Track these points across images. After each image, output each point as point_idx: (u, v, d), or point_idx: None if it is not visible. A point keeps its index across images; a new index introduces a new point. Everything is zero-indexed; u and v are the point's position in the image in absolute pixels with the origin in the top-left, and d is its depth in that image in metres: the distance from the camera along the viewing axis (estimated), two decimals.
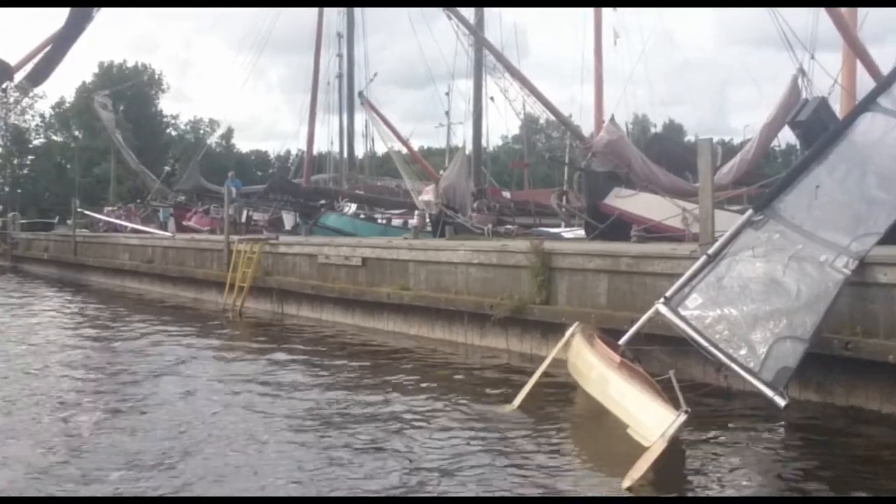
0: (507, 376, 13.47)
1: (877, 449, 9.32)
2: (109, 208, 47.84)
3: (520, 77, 23.18)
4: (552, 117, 24.57)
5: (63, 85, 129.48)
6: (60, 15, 11.06)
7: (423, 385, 12.92)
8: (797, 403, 10.35)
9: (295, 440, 9.78)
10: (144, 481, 8.31)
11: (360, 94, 36.39)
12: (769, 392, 9.56)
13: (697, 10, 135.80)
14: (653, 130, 59.98)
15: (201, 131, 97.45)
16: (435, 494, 7.97)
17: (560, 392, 11.98)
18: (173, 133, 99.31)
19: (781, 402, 9.46)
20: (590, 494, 8.09)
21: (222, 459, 9.06)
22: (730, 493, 8.08)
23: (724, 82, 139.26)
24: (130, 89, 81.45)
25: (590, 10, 31.13)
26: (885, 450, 9.28)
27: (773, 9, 17.58)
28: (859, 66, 17.89)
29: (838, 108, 17.06)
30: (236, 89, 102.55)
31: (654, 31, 65.97)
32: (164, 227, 37.46)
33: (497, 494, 7.97)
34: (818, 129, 13.83)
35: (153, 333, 19.19)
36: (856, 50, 17.24)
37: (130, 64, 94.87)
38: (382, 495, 7.81)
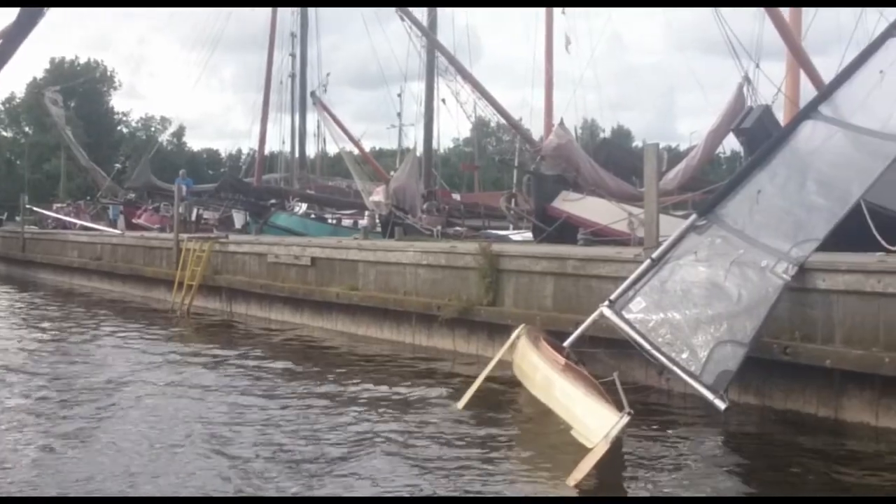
0: (453, 377, 13.57)
1: (812, 452, 9.51)
2: (59, 205, 47.29)
3: (471, 80, 23.28)
4: (503, 120, 24.69)
5: (13, 80, 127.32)
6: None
7: (370, 385, 12.95)
8: (737, 407, 10.54)
9: (238, 440, 9.74)
10: (79, 484, 8.20)
11: (313, 93, 36.31)
12: (709, 395, 9.74)
13: (646, 15, 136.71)
14: (601, 135, 60.34)
15: (153, 129, 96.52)
16: (392, 495, 8.03)
17: (505, 393, 12.09)
18: (125, 130, 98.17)
19: (721, 406, 9.64)
20: (533, 495, 8.18)
21: (157, 458, 9.04)
22: (671, 493, 8.20)
23: (671, 88, 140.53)
24: (82, 86, 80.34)
25: (541, 13, 31.32)
26: (819, 453, 9.47)
27: (720, 15, 17.77)
28: (803, 75, 18.21)
29: (782, 116, 17.36)
30: (189, 87, 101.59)
31: (604, 35, 66.49)
32: (113, 224, 37.12)
33: (440, 493, 8.04)
34: (762, 136, 14.05)
35: (100, 331, 19.06)
36: (799, 59, 17.54)
37: (83, 60, 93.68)
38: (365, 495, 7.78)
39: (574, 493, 8.02)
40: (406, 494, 8.00)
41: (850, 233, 10.81)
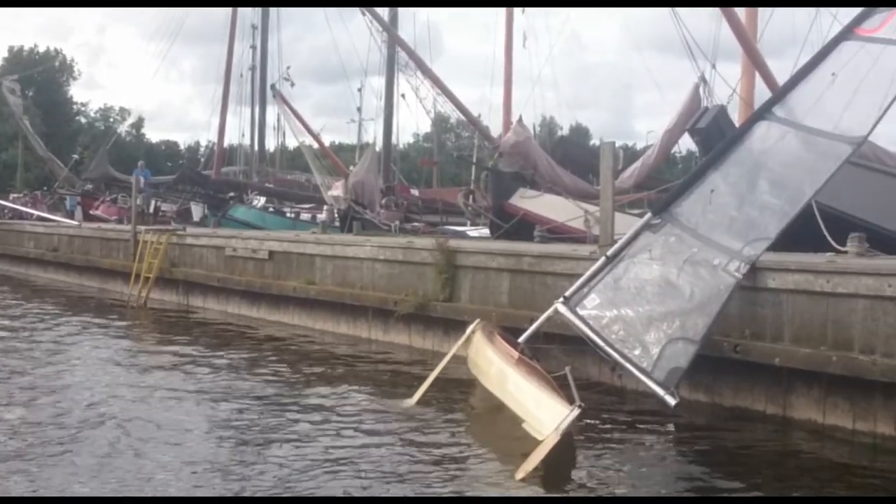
0: (408, 372, 13.62)
1: (760, 448, 9.67)
2: (15, 195, 46.70)
3: (431, 75, 23.34)
4: (462, 116, 24.76)
5: None
6: None
7: (325, 379, 12.99)
8: (687, 403, 10.64)
9: (191, 434, 9.71)
10: (31, 477, 8.10)
11: (273, 86, 36.14)
12: (660, 391, 9.85)
13: (604, 15, 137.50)
14: (560, 133, 60.65)
15: (111, 119, 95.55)
16: (342, 488, 8.05)
17: (459, 388, 12.16)
18: (83, 121, 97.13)
19: (672, 402, 9.76)
20: (484, 483, 8.25)
21: (114, 452, 8.95)
22: (620, 488, 8.30)
23: (629, 87, 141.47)
24: (40, 75, 79.47)
25: (502, 10, 31.36)
26: (767, 449, 9.63)
27: (677, 16, 17.95)
28: (758, 77, 18.40)
29: (737, 116, 17.53)
30: (148, 78, 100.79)
31: (562, 34, 66.87)
32: (70, 215, 36.77)
33: (394, 485, 8.05)
34: (716, 136, 14.19)
35: (55, 322, 18.91)
36: (754, 60, 17.72)
37: (41, 49, 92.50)
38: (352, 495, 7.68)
39: (557, 494, 8.11)
40: (358, 487, 8.01)
41: (802, 233, 10.97)
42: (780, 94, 12.07)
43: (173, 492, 7.79)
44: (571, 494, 8.16)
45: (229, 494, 7.76)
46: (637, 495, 8.09)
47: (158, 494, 7.71)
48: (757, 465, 9.11)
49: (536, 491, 8.09)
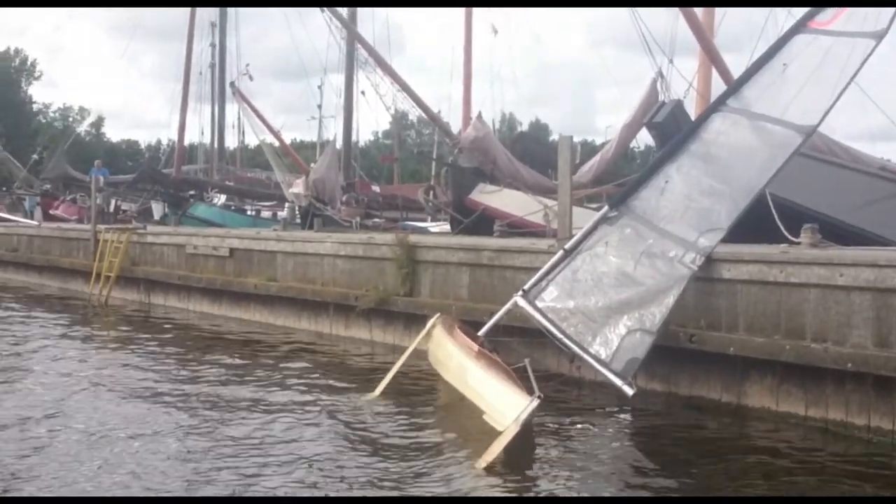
0: (370, 366, 13.69)
1: (715, 435, 9.85)
2: None
3: (390, 72, 23.40)
4: (422, 113, 24.81)
5: None
6: None
7: (287, 375, 12.99)
8: (644, 393, 10.78)
9: (154, 432, 9.67)
10: None
11: (232, 84, 36.04)
12: (618, 381, 10.00)
13: (565, 12, 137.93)
14: (519, 129, 60.86)
15: (70, 119, 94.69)
16: (306, 482, 8.09)
17: (420, 381, 12.24)
18: (42, 120, 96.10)
19: (629, 391, 9.90)
20: (446, 474, 8.30)
21: (76, 453, 8.90)
22: (578, 476, 8.39)
23: (589, 83, 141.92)
24: None
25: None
26: (722, 437, 9.81)
27: (636, 14, 18.16)
28: (715, 72, 18.62)
29: (693, 110, 17.72)
30: (107, 76, 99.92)
31: (522, 31, 67.08)
32: (30, 215, 36.43)
33: (355, 478, 8.10)
34: (673, 130, 14.33)
35: (15, 322, 18.76)
36: (711, 55, 17.93)
37: (0, 48, 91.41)
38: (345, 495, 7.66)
39: (517, 483, 8.15)
40: (318, 481, 8.05)
41: (756, 225, 11.14)
42: (735, 86, 12.24)
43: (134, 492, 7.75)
44: (532, 484, 8.24)
45: (186, 493, 7.72)
46: (596, 484, 8.18)
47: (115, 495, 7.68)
48: (713, 452, 9.26)
49: (497, 481, 8.16)
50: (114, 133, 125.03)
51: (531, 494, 7.89)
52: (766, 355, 10.23)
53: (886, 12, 11.28)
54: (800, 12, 12.85)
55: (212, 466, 8.42)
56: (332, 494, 7.66)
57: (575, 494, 7.79)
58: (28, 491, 7.59)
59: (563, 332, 10.61)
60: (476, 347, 11.12)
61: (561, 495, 7.79)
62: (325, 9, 23.64)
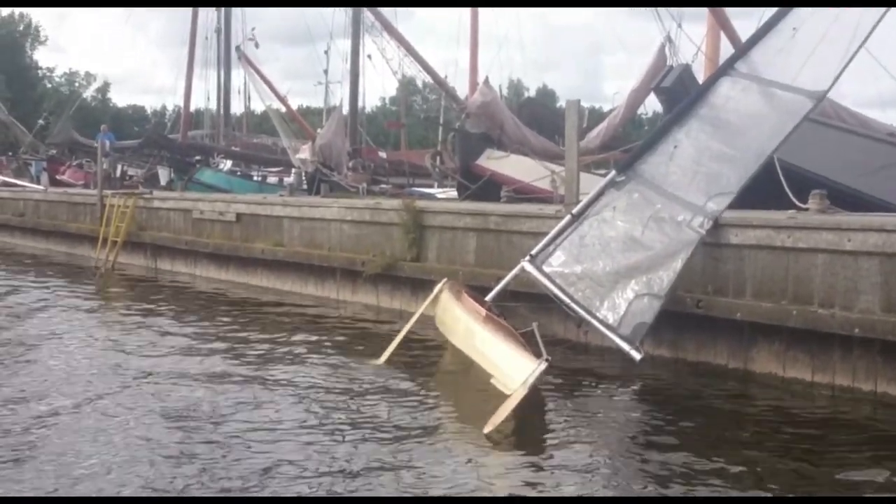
0: (376, 332, 13.72)
1: (721, 401, 9.85)
2: None
3: (397, 36, 23.32)
4: (429, 78, 24.73)
5: None
6: None
7: (293, 340, 13.03)
8: (651, 359, 10.79)
9: (162, 399, 9.60)
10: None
11: (238, 48, 35.90)
12: (626, 346, 10.02)
13: None
14: (526, 94, 60.63)
15: (76, 84, 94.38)
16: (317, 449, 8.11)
17: (427, 347, 12.27)
18: (48, 85, 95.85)
19: (637, 356, 9.93)
20: (452, 439, 8.33)
21: (86, 423, 8.85)
22: (585, 441, 8.40)
23: (598, 49, 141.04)
24: (3, 39, 78.18)
25: None
26: (728, 401, 9.82)
27: None
28: (724, 37, 18.50)
29: (702, 75, 17.62)
30: (113, 41, 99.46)
31: None
32: (36, 180, 36.42)
33: (362, 444, 8.09)
34: (681, 95, 14.25)
35: (22, 288, 18.79)
36: (719, 19, 17.84)
37: (5, 13, 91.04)
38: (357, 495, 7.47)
39: (524, 448, 8.13)
40: (325, 447, 8.05)
41: (764, 190, 11.11)
42: (743, 50, 12.14)
43: (144, 456, 7.67)
44: (538, 449, 8.24)
45: (185, 455, 7.66)
46: (603, 448, 8.19)
47: (129, 462, 7.59)
48: (719, 418, 9.28)
49: (504, 445, 8.20)
50: (119, 98, 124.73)
51: (537, 458, 7.88)
52: (773, 321, 10.23)
53: None
54: None
55: (213, 431, 8.38)
56: (337, 459, 7.64)
57: (583, 458, 7.78)
58: (31, 464, 7.46)
59: (570, 297, 10.62)
60: (484, 312, 11.13)
61: (567, 460, 7.79)
62: None
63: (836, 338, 9.76)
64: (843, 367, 9.83)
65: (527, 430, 8.62)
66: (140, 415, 8.90)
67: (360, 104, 32.45)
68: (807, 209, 11.04)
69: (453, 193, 21.67)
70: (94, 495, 6.48)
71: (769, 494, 6.90)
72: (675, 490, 7.02)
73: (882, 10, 10.95)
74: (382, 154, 36.72)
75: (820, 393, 9.89)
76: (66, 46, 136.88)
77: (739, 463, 7.69)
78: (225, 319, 14.90)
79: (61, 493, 6.73)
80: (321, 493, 6.85)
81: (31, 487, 6.84)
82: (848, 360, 9.78)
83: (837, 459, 7.91)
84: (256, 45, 37.65)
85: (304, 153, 25.57)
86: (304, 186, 24.87)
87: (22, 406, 9.27)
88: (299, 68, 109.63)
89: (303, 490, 6.88)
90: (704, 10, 18.66)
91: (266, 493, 6.80)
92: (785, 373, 10.32)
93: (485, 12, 29.53)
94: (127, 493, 6.66)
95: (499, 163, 19.24)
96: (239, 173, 34.89)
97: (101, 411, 9.07)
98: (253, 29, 39.73)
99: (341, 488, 6.95)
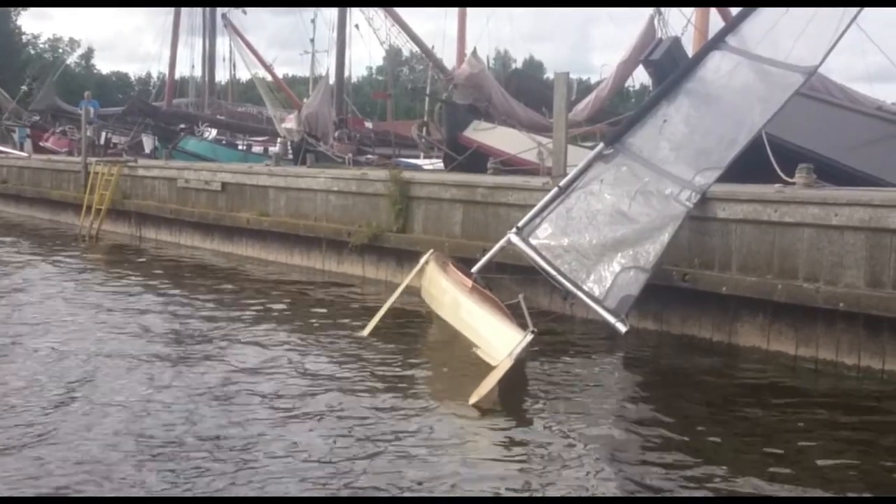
0: (362, 303, 13.70)
1: (705, 373, 9.89)
2: None
3: (384, 5, 23.14)
4: (417, 48, 24.61)
5: None
6: None
7: (277, 310, 13.03)
8: (636, 331, 10.80)
9: (140, 370, 9.56)
10: None
11: (224, 15, 35.57)
12: (612, 319, 10.04)
13: None
14: (514, 66, 60.42)
15: (60, 50, 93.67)
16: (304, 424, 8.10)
17: (412, 318, 12.28)
18: (32, 52, 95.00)
19: (623, 329, 9.96)
20: (438, 410, 8.33)
21: (72, 391, 8.91)
22: (570, 411, 8.39)
23: (587, 20, 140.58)
24: None
25: None
26: (711, 374, 9.86)
27: None
28: (714, 10, 18.45)
29: (691, 48, 17.57)
30: (98, 7, 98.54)
31: None
32: (19, 147, 36.19)
33: (348, 417, 8.08)
34: (670, 68, 14.22)
35: (4, 254, 18.72)
36: None
37: None
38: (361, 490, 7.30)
39: (509, 419, 8.17)
40: (310, 421, 8.03)
41: (752, 164, 11.10)
42: (733, 23, 12.05)
43: (134, 429, 7.66)
44: (523, 420, 8.27)
45: (170, 436, 7.50)
46: (587, 420, 8.20)
47: (112, 437, 7.54)
48: (703, 389, 9.33)
49: (489, 416, 8.20)
50: (104, 65, 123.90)
51: (521, 429, 7.90)
52: (758, 295, 10.28)
53: None
54: None
55: (196, 411, 8.16)
56: (318, 432, 7.63)
57: (567, 429, 7.80)
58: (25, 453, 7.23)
59: (556, 270, 10.62)
60: (470, 283, 11.12)
61: (552, 431, 7.81)
62: None
63: (821, 312, 9.81)
64: (827, 341, 9.88)
65: (512, 400, 8.64)
66: (117, 385, 8.88)
67: (346, 74, 32.30)
68: (793, 183, 11.04)
69: (440, 164, 21.60)
70: (94, 495, 6.45)
71: (753, 474, 6.90)
72: (658, 463, 7.03)
73: None
74: (369, 124, 36.57)
75: (803, 366, 9.95)
76: (51, 13, 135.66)
77: (719, 436, 7.75)
78: (208, 289, 14.85)
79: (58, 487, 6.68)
80: (302, 467, 6.81)
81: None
82: (832, 335, 9.83)
83: (817, 432, 7.98)
84: (244, 12, 37.36)
85: (290, 123, 25.46)
86: (290, 156, 24.76)
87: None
88: (286, 37, 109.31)
89: (283, 469, 6.78)
90: None
91: (246, 469, 6.75)
92: (769, 346, 10.36)
93: None
94: (112, 485, 6.60)
95: (485, 134, 19.17)
96: (224, 142, 34.68)
97: (79, 393, 8.87)
98: None
99: (324, 466, 6.92)
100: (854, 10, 10.72)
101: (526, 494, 6.49)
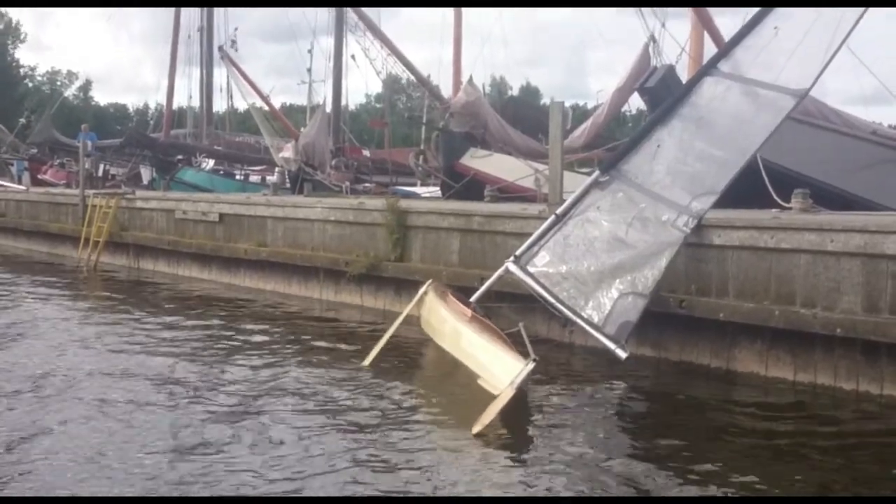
0: (361, 333, 13.69)
1: (704, 400, 9.88)
2: None
3: (380, 36, 23.30)
4: (413, 77, 24.73)
5: None
6: None
7: (277, 341, 12.99)
8: (634, 358, 10.73)
9: (145, 401, 9.53)
10: None
11: (220, 48, 35.75)
12: (611, 345, 10.04)
13: None
14: (510, 92, 60.60)
15: (58, 83, 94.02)
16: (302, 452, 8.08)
17: (412, 348, 12.26)
18: (30, 84, 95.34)
19: (623, 355, 9.95)
20: (441, 441, 8.31)
21: (70, 416, 8.90)
22: (573, 439, 8.38)
23: (583, 44, 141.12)
24: None
25: None
26: (711, 400, 9.84)
27: None
28: (707, 37, 18.56)
29: (685, 75, 17.66)
30: (95, 39, 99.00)
31: None
32: (17, 180, 36.27)
33: (351, 448, 8.06)
34: (665, 95, 14.30)
35: (3, 287, 18.70)
36: (702, 19, 17.89)
37: None
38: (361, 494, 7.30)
39: (512, 450, 8.13)
40: (311, 451, 8.02)
41: (747, 190, 11.15)
42: (726, 49, 12.16)
43: (131, 463, 7.70)
44: (526, 449, 8.24)
45: (174, 460, 7.57)
46: (590, 447, 8.19)
47: (112, 467, 7.57)
48: (702, 416, 9.32)
49: (491, 445, 8.18)
50: (102, 97, 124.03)
51: (525, 457, 7.90)
52: (755, 321, 10.29)
53: None
54: None
55: (198, 437, 8.24)
56: (322, 462, 7.63)
57: (570, 457, 7.79)
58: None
59: (555, 297, 10.63)
60: (469, 313, 11.13)
61: (555, 459, 7.80)
62: None
63: (819, 338, 9.83)
64: (825, 366, 9.89)
65: (515, 429, 8.62)
66: (122, 414, 8.87)
67: (343, 103, 32.44)
68: (790, 208, 11.08)
69: (437, 192, 21.66)
70: (94, 495, 6.45)
71: (754, 495, 6.92)
72: (659, 488, 7.04)
73: (862, 9, 10.98)
74: (366, 153, 36.68)
75: (802, 392, 9.95)
76: (49, 44, 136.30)
77: (720, 461, 7.74)
78: (207, 320, 14.83)
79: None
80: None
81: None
82: (829, 360, 9.85)
83: (818, 458, 7.96)
84: (236, 49, 37.50)
85: (288, 152, 25.56)
86: (287, 185, 24.83)
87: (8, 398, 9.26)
88: (282, 65, 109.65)
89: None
90: (688, 9, 18.69)
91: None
92: (767, 372, 10.37)
93: (469, 11, 29.48)
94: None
95: (482, 162, 19.25)
96: (222, 172, 34.78)
97: (87, 402, 9.03)
98: (236, 29, 39.56)
99: (329, 491, 6.93)
100: (844, 32, 10.79)
101: None
